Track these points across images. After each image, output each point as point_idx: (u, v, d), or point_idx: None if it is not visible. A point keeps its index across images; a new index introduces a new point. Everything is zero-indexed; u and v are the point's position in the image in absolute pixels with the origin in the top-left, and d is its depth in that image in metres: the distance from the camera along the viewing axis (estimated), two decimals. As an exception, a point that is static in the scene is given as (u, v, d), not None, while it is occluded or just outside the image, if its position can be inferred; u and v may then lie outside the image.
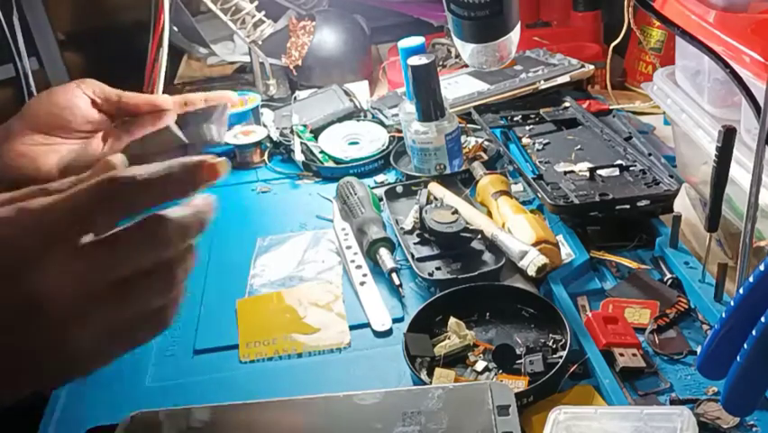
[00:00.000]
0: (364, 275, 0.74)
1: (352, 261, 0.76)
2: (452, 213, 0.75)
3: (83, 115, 0.71)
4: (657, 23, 1.12)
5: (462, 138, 0.94)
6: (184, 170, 0.43)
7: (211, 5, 1.11)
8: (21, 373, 0.43)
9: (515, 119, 0.99)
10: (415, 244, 0.77)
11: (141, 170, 0.41)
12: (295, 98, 1.16)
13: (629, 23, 1.02)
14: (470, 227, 0.74)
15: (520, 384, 0.57)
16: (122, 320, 0.43)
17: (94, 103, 0.72)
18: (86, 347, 0.44)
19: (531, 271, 0.67)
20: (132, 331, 0.45)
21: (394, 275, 0.72)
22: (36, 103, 0.72)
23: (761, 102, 0.54)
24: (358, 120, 1.06)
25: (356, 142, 1.01)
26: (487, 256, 0.73)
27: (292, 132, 1.02)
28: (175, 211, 0.42)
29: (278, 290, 0.74)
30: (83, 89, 0.71)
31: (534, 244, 0.69)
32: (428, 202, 0.80)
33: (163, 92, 1.04)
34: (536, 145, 0.91)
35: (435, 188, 0.83)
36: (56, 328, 0.42)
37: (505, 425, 0.50)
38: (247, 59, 1.25)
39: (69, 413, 0.62)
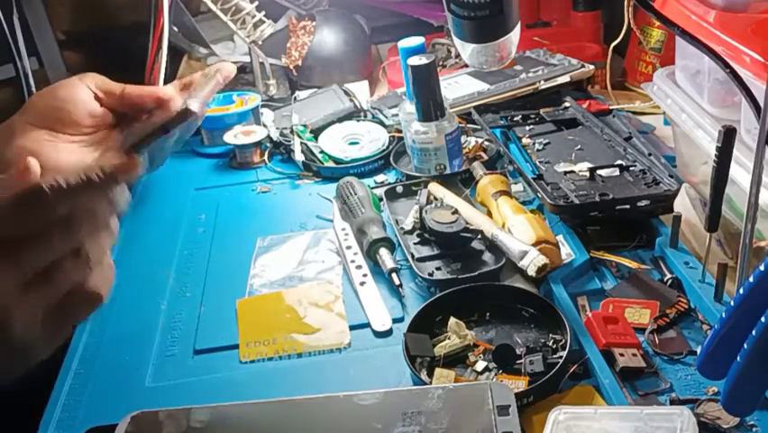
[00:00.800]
0: (364, 275, 0.74)
1: (352, 261, 0.76)
2: (452, 213, 0.75)
3: (85, 109, 0.71)
4: (657, 23, 1.12)
5: (462, 138, 0.94)
6: (100, 172, 0.44)
7: (211, 5, 1.11)
8: None
9: (515, 119, 0.99)
10: (415, 244, 0.77)
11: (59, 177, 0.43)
12: (295, 98, 1.16)
13: (629, 22, 1.02)
14: (470, 227, 0.74)
15: (520, 384, 0.57)
16: (50, 300, 0.45)
17: (96, 97, 0.72)
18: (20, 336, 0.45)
19: (531, 271, 0.67)
20: (61, 312, 0.46)
21: (394, 275, 0.72)
22: (38, 98, 0.72)
23: (761, 102, 0.54)
24: (358, 120, 1.06)
25: (356, 142, 1.01)
26: (487, 256, 0.73)
27: (292, 132, 1.02)
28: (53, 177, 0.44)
29: (278, 290, 0.74)
30: (85, 83, 0.71)
31: (534, 244, 0.69)
32: (428, 202, 0.80)
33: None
34: (536, 145, 0.91)
35: (435, 188, 0.83)
36: None
37: (505, 425, 0.50)
38: (247, 59, 1.25)
39: (69, 413, 0.62)
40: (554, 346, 0.61)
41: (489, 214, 0.79)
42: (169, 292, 0.76)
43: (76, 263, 0.46)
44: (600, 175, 0.80)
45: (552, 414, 0.51)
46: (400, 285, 0.71)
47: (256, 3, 1.14)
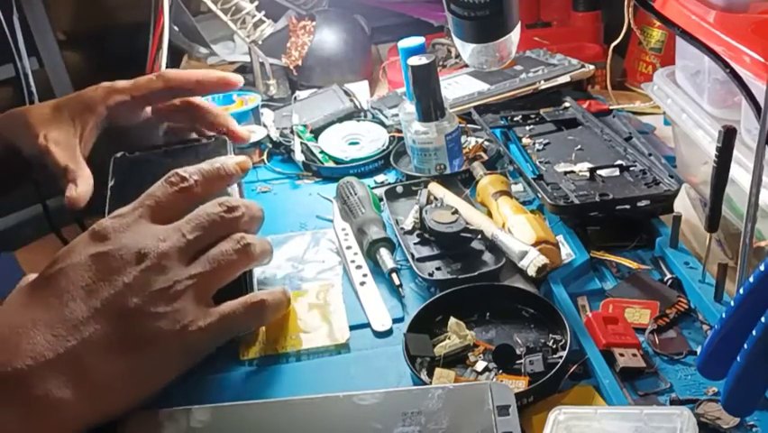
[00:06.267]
0: (364, 275, 0.74)
1: (352, 261, 0.76)
2: (452, 213, 0.75)
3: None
4: (657, 23, 1.12)
5: (462, 138, 0.94)
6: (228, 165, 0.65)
7: (211, 5, 1.11)
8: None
9: (515, 119, 0.99)
10: (415, 244, 0.77)
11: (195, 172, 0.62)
12: (295, 98, 1.16)
13: (629, 23, 1.02)
14: (470, 227, 0.74)
15: (520, 384, 0.57)
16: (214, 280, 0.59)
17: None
18: (196, 321, 0.57)
19: (531, 272, 0.67)
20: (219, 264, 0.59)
21: (394, 275, 0.72)
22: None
23: (761, 102, 0.54)
24: (358, 120, 1.06)
25: (356, 142, 1.01)
26: (487, 256, 0.73)
27: (292, 132, 1.02)
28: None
29: (278, 290, 0.74)
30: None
31: (535, 244, 0.69)
32: (428, 202, 0.80)
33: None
34: (536, 145, 0.91)
35: (435, 189, 0.83)
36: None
37: (505, 425, 0.50)
38: (247, 59, 1.25)
39: (69, 413, 0.62)
40: (554, 346, 0.61)
41: (489, 214, 0.79)
42: (169, 292, 0.76)
43: (236, 249, 0.59)
44: (600, 175, 0.80)
45: (552, 414, 0.51)
46: (400, 285, 0.71)
47: (256, 3, 1.14)
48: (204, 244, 0.58)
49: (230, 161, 0.65)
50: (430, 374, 0.59)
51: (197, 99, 0.81)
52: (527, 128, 0.96)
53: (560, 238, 0.73)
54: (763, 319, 0.38)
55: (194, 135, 0.82)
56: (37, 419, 0.49)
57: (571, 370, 0.59)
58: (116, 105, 0.76)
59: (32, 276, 0.56)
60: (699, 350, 0.52)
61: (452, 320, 0.63)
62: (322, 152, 0.99)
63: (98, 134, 0.77)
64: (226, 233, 0.60)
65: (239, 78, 0.80)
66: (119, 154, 0.75)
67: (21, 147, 0.76)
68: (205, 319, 0.57)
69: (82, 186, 0.71)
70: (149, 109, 0.81)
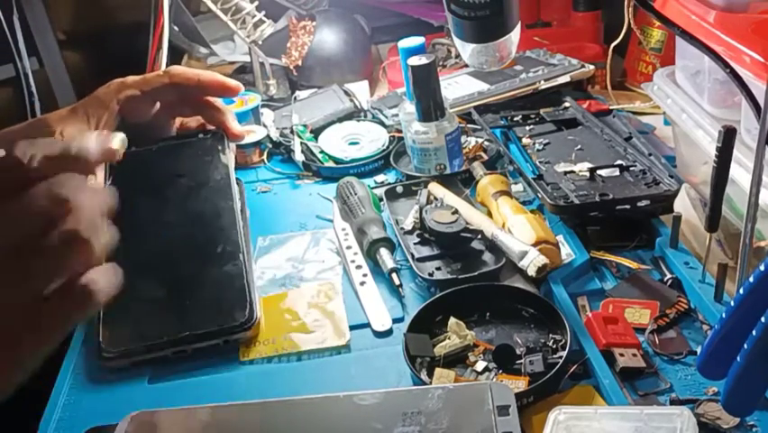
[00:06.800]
0: (364, 275, 0.74)
1: (352, 261, 0.76)
2: (452, 213, 0.75)
3: None
4: (657, 23, 1.12)
5: (462, 138, 0.94)
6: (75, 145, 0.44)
7: (211, 5, 1.11)
8: None
9: (515, 119, 0.99)
10: (415, 244, 0.77)
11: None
12: (295, 98, 1.16)
13: (629, 23, 1.02)
14: (470, 227, 0.74)
15: (520, 384, 0.57)
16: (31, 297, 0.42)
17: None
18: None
19: (531, 272, 0.67)
20: (55, 306, 0.43)
21: (394, 275, 0.72)
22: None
23: (761, 102, 0.54)
24: (358, 120, 1.06)
25: (356, 142, 1.01)
26: (487, 256, 0.73)
27: (292, 132, 1.02)
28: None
29: (279, 290, 0.74)
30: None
31: (535, 244, 0.69)
32: (428, 202, 0.80)
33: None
34: (536, 145, 0.91)
35: (435, 188, 0.83)
36: None
37: (505, 425, 0.50)
38: (247, 59, 1.25)
39: (69, 413, 0.62)
40: (554, 346, 0.61)
41: (489, 214, 0.79)
42: (169, 292, 0.76)
43: (69, 246, 0.43)
44: (600, 175, 0.80)
45: (552, 414, 0.51)
46: (400, 285, 0.71)
47: (256, 3, 1.14)
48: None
49: (91, 143, 0.47)
50: (430, 374, 0.59)
51: (176, 72, 0.81)
52: (527, 128, 0.96)
53: (560, 238, 0.73)
54: (763, 319, 0.38)
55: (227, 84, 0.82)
56: None
57: (571, 370, 0.59)
58: (127, 100, 0.78)
59: None
60: (699, 350, 0.52)
61: (452, 320, 0.63)
62: (322, 151, 0.99)
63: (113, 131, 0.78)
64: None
65: (238, 85, 0.81)
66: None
67: None
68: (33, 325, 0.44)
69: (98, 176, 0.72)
70: (158, 105, 0.82)
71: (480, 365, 0.60)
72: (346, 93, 1.10)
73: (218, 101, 0.81)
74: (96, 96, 0.79)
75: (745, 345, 0.39)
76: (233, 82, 0.80)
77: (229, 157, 0.76)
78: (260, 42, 1.16)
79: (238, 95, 1.07)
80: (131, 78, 0.80)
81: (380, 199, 0.85)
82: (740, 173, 0.67)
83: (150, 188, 0.73)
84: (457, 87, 1.07)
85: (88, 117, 0.77)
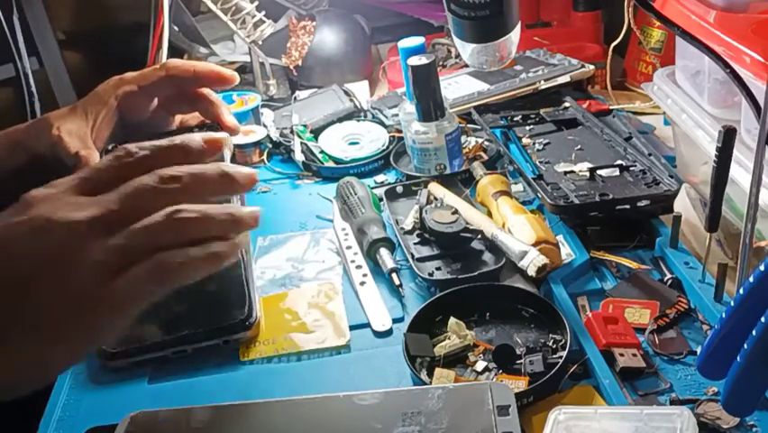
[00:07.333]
0: (364, 275, 0.74)
1: (352, 261, 0.76)
2: (452, 213, 0.75)
3: None
4: (657, 23, 1.12)
5: (462, 138, 0.94)
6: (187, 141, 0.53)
7: (211, 5, 1.11)
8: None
9: (515, 119, 0.99)
10: (415, 244, 0.77)
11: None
12: (295, 98, 1.16)
13: (629, 23, 1.02)
14: (470, 227, 0.74)
15: (520, 384, 0.57)
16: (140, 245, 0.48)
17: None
18: (96, 294, 0.47)
19: (531, 272, 0.67)
20: (172, 260, 0.48)
21: (394, 275, 0.72)
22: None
23: (761, 102, 0.54)
24: (358, 120, 1.06)
25: (356, 142, 1.01)
26: (487, 256, 0.73)
27: (292, 132, 1.02)
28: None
29: (279, 291, 0.74)
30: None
31: (534, 244, 0.69)
32: (428, 202, 0.80)
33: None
34: (536, 145, 0.91)
35: (435, 188, 0.83)
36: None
37: (505, 425, 0.50)
38: (247, 59, 1.25)
39: (69, 413, 0.62)
40: (554, 346, 0.61)
41: (489, 214, 0.79)
42: (169, 292, 0.76)
43: (160, 222, 0.49)
44: (600, 175, 0.80)
45: (552, 414, 0.51)
46: (400, 285, 0.71)
47: (256, 3, 1.14)
48: (126, 217, 0.50)
49: (196, 137, 0.55)
50: (430, 374, 0.59)
51: (173, 65, 0.81)
52: (527, 128, 0.96)
53: (560, 238, 0.73)
54: (763, 319, 0.38)
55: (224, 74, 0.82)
56: None
57: (571, 370, 0.59)
58: (125, 96, 0.78)
59: None
60: (699, 350, 0.52)
61: (452, 320, 0.63)
62: (322, 151, 0.99)
63: (113, 129, 0.78)
64: (159, 205, 0.51)
65: (233, 75, 0.80)
66: (110, 146, 0.75)
67: (40, 149, 0.77)
68: (107, 293, 0.49)
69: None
70: (156, 101, 0.82)
71: (480, 365, 0.60)
72: (346, 93, 1.10)
73: (213, 94, 0.81)
74: (96, 93, 0.79)
75: (745, 345, 0.39)
76: (228, 72, 0.80)
77: (225, 154, 0.76)
78: (260, 42, 1.16)
79: (238, 95, 1.08)
80: (129, 75, 0.80)
81: (380, 199, 0.85)
82: (740, 173, 0.67)
83: None
84: (457, 87, 1.07)
85: (87, 114, 0.77)
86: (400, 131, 0.96)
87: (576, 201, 0.76)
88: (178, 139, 0.54)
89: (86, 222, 0.48)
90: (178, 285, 0.50)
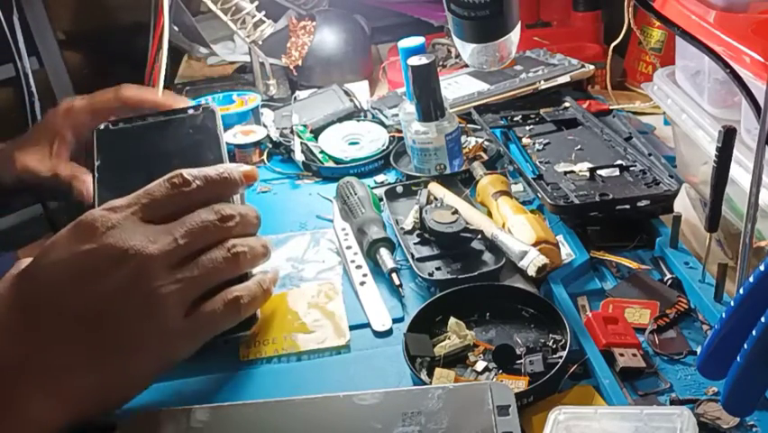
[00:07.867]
0: (364, 275, 0.74)
1: (352, 261, 0.76)
2: (452, 213, 0.75)
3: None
4: (657, 23, 1.12)
5: (462, 138, 0.94)
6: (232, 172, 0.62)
7: (211, 5, 1.11)
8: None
9: (515, 119, 0.99)
10: (415, 244, 0.77)
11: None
12: (295, 98, 1.16)
13: (629, 23, 1.02)
14: (470, 227, 0.74)
15: (520, 384, 0.57)
16: (196, 287, 0.56)
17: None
18: (178, 326, 0.55)
19: (531, 272, 0.67)
20: (205, 310, 0.56)
21: (394, 275, 0.72)
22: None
23: (761, 102, 0.54)
24: (358, 120, 1.06)
25: (356, 142, 1.01)
26: (487, 256, 0.73)
27: (292, 132, 1.02)
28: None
29: (279, 290, 0.74)
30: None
31: (535, 244, 0.69)
32: (428, 202, 0.80)
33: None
34: (536, 145, 0.91)
35: (435, 188, 0.83)
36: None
37: (505, 425, 0.50)
38: (247, 59, 1.25)
39: (69, 413, 0.62)
40: (554, 346, 0.61)
41: (489, 214, 0.79)
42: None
43: (225, 257, 0.57)
44: (600, 175, 0.80)
45: (552, 414, 0.51)
46: (400, 285, 0.71)
47: (256, 3, 1.14)
48: (193, 250, 0.57)
49: (236, 169, 0.63)
50: (430, 374, 0.59)
51: (129, 95, 0.82)
52: (527, 128, 0.96)
53: (560, 238, 0.73)
54: (763, 319, 0.38)
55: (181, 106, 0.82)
56: (4, 426, 0.48)
57: (571, 370, 0.59)
58: (76, 125, 0.81)
59: (26, 261, 0.54)
60: (699, 350, 0.52)
61: (452, 320, 0.63)
62: (322, 151, 0.99)
63: (71, 150, 0.83)
64: (218, 240, 0.58)
65: (184, 100, 0.84)
66: (102, 126, 0.73)
67: (6, 180, 0.82)
68: (187, 324, 0.55)
69: (88, 181, 0.74)
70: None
71: (480, 365, 0.60)
72: (346, 93, 1.10)
73: (148, 93, 0.84)
74: (45, 123, 0.82)
75: (745, 345, 0.39)
76: (179, 101, 0.82)
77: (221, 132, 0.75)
78: (260, 42, 1.16)
79: (238, 95, 1.08)
80: (78, 103, 0.81)
81: (380, 199, 0.85)
82: (740, 173, 0.67)
83: (140, 165, 0.71)
84: (457, 87, 1.07)
85: (40, 143, 0.81)
86: (400, 131, 0.96)
87: (576, 201, 0.76)
88: (222, 170, 0.61)
89: (161, 255, 0.54)
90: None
